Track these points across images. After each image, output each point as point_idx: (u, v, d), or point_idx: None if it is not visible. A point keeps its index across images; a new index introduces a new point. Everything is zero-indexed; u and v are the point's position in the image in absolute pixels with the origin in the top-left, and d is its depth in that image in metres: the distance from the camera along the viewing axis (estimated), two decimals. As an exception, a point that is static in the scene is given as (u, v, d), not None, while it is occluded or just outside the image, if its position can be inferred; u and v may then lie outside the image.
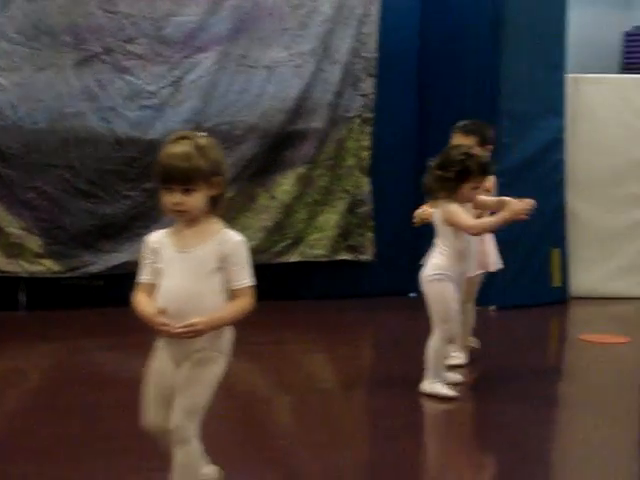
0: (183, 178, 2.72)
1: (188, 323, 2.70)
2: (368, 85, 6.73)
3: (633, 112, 6.89)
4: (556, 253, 6.69)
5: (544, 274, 6.63)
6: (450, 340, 4.37)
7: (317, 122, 6.60)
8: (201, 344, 2.78)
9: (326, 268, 6.82)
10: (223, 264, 2.77)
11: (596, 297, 6.81)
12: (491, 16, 6.48)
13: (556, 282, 6.67)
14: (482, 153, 4.30)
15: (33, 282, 6.14)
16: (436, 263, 4.24)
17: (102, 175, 6.11)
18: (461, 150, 4.18)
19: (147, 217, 6.21)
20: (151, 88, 6.15)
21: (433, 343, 4.27)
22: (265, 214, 6.58)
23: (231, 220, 6.37)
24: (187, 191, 2.73)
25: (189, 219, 2.79)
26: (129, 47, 6.05)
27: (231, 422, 3.99)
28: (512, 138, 6.48)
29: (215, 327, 2.76)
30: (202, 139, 2.80)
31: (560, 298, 6.69)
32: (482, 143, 4.71)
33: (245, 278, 2.79)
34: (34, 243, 6.03)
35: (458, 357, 4.80)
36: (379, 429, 4.06)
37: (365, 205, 6.83)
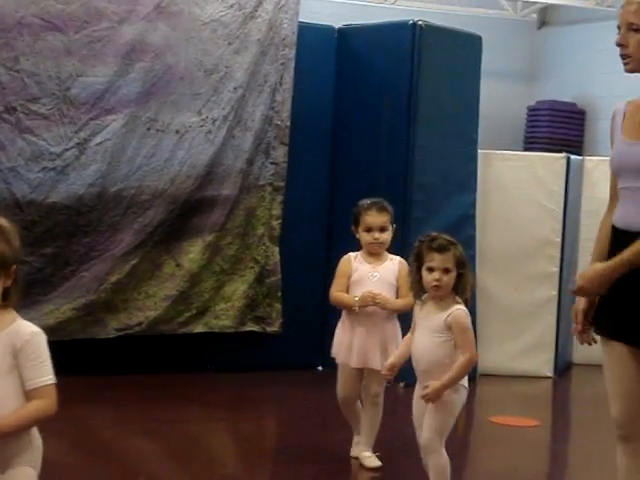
0: None
1: None
2: (280, 153, 6.61)
3: (541, 190, 6.95)
4: (465, 329, 6.62)
5: (453, 351, 6.56)
6: None
7: (227, 189, 6.44)
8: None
9: (231, 340, 6.61)
10: (17, 361, 2.43)
11: (503, 375, 6.77)
12: (406, 88, 6.47)
13: (465, 359, 6.60)
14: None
15: None
16: None
17: (-2, 239, 5.80)
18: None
19: (45, 284, 5.92)
20: (55, 149, 5.90)
21: None
22: (170, 282, 6.34)
23: (134, 288, 6.24)
24: None
25: None
26: (32, 106, 5.79)
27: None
28: (423, 212, 6.45)
29: None
30: (3, 221, 2.47)
31: (468, 375, 6.59)
32: (392, 221, 4.62)
33: (43, 375, 2.45)
34: None
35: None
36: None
37: (274, 275, 6.66)
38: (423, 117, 6.45)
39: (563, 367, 7.14)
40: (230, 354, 6.61)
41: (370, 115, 6.69)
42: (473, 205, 6.72)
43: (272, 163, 6.62)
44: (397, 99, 6.51)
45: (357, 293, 4.48)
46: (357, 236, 4.60)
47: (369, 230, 4.53)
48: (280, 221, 6.64)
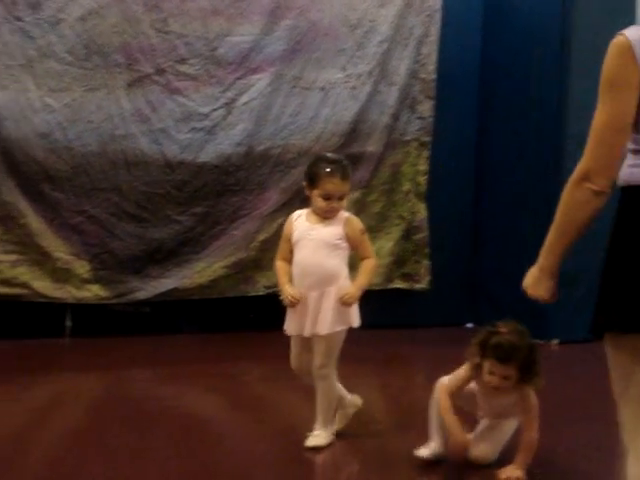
0: None
1: None
2: (426, 108, 6.51)
3: None
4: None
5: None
6: None
7: (372, 146, 6.39)
8: None
9: (379, 297, 6.59)
10: None
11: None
12: (558, 37, 6.21)
13: (621, 316, 6.37)
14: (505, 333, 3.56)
15: (79, 308, 6.01)
16: None
17: (151, 199, 5.97)
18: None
19: (196, 243, 6.06)
20: (203, 110, 5.99)
21: None
22: (317, 240, 6.37)
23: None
24: None
25: None
26: (181, 68, 5.90)
27: (281, 468, 3.78)
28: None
29: None
30: None
31: None
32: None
33: None
34: (82, 268, 5.89)
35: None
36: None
37: (421, 232, 6.60)
38: (576, 65, 6.19)
39: None
40: (378, 311, 6.58)
41: (520, 65, 6.47)
42: (629, 156, 6.42)
43: (418, 118, 6.52)
44: (548, 47, 6.27)
45: (299, 255, 3.99)
46: (308, 194, 3.91)
47: (328, 198, 3.84)
48: (426, 177, 6.56)
